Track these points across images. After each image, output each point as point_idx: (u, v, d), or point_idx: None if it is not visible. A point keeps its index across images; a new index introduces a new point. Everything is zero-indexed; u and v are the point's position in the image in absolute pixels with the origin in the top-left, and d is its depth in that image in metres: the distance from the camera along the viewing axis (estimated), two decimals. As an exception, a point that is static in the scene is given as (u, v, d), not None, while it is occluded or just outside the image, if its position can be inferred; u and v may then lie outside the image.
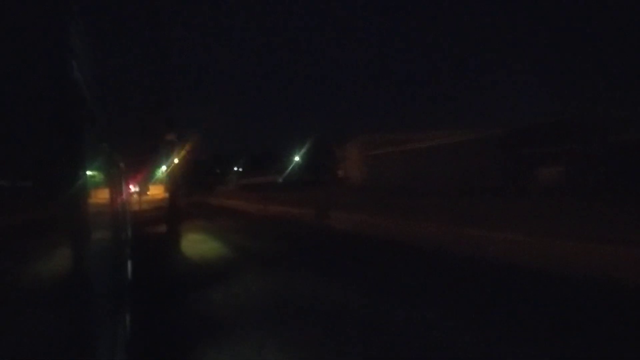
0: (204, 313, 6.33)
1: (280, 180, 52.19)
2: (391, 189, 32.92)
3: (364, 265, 8.95)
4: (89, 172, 1.85)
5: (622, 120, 23.99)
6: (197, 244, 13.42)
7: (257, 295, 6.96)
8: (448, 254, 9.78)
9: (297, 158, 56.09)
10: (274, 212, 23.14)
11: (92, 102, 2.07)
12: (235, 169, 72.38)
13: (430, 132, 41.47)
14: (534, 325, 5.12)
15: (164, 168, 66.77)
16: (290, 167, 56.19)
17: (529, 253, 9.15)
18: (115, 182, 4.41)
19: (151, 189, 60.14)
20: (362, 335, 5.01)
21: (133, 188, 46.40)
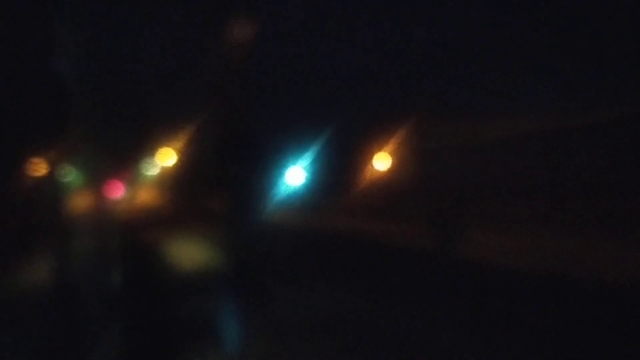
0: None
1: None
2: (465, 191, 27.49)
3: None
4: (75, 173, 1.81)
5: None
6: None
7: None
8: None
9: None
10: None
11: (81, 101, 2.04)
12: None
13: (504, 118, 35.92)
14: None
15: (158, 168, 66.37)
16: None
17: None
18: (103, 183, 4.36)
19: (144, 190, 59.29)
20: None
21: (123, 189, 45.39)
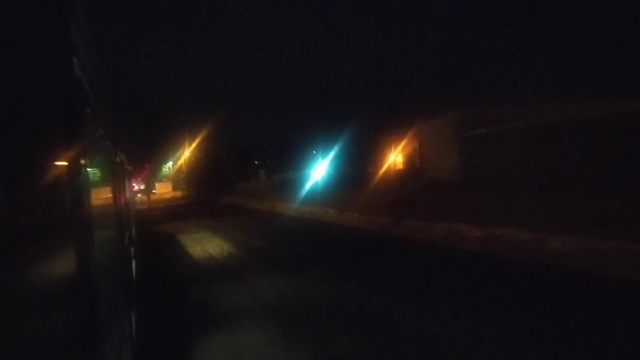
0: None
1: (324, 175, 40.41)
2: (511, 182, 22.35)
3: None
4: (91, 171, 1.87)
5: None
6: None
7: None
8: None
9: (332, 148, 46.13)
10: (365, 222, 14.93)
11: (95, 99, 2.10)
12: (256, 162, 61.78)
13: (551, 105, 28.36)
14: None
15: (170, 165, 62.46)
16: (330, 159, 46.01)
17: None
18: (118, 181, 4.45)
19: (158, 187, 58.65)
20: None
21: (138, 186, 44.84)
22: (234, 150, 59.81)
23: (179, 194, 52.89)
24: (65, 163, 1.56)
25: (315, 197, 24.72)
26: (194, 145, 50.59)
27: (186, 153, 51.84)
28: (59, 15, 1.59)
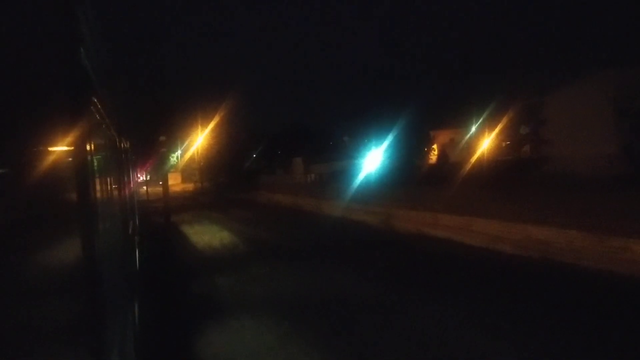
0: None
1: (379, 166, 32.19)
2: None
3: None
4: (95, 159, 1.91)
5: None
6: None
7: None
8: None
9: (388, 134, 37.05)
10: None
11: (101, 89, 2.14)
12: (279, 152, 52.40)
13: None
14: None
15: (179, 154, 58.28)
16: (386, 147, 37.22)
17: None
18: (123, 172, 4.50)
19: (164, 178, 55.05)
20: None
21: (143, 178, 42.26)
22: (258, 136, 48.22)
23: (190, 186, 46.98)
24: (70, 153, 1.61)
25: (400, 196, 16.80)
26: (208, 130, 43.23)
27: (199, 139, 44.48)
28: (66, 4, 1.62)
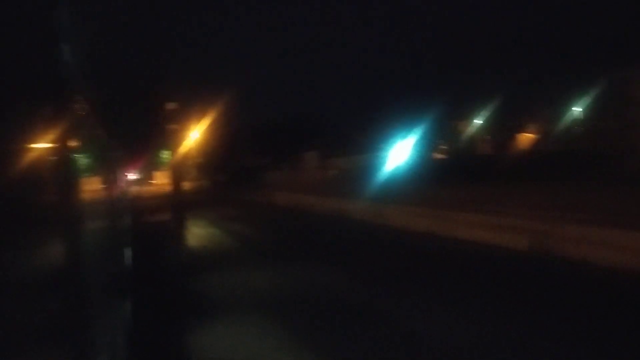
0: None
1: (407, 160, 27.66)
2: None
3: None
4: (82, 159, 1.91)
5: None
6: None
7: None
8: None
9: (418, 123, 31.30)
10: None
11: (85, 87, 2.13)
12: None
13: None
14: None
15: (170, 151, 55.08)
16: (403, 140, 31.39)
17: None
18: (111, 170, 4.49)
19: (157, 176, 50.78)
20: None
21: (132, 176, 38.51)
22: (261, 128, 42.18)
23: (185, 185, 41.75)
24: (54, 150, 1.61)
25: (510, 198, 12.38)
26: (205, 123, 38.70)
27: (196, 133, 40.14)
28: (46, 2, 1.62)
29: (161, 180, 47.16)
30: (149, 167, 49.55)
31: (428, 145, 33.18)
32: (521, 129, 34.12)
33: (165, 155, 51.50)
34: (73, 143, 1.69)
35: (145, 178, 47.33)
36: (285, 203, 21.04)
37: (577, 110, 29.19)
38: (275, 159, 38.79)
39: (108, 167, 4.15)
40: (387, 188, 17.59)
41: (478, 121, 37.12)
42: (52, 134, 1.62)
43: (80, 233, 1.71)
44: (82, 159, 1.96)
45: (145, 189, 34.32)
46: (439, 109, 32.61)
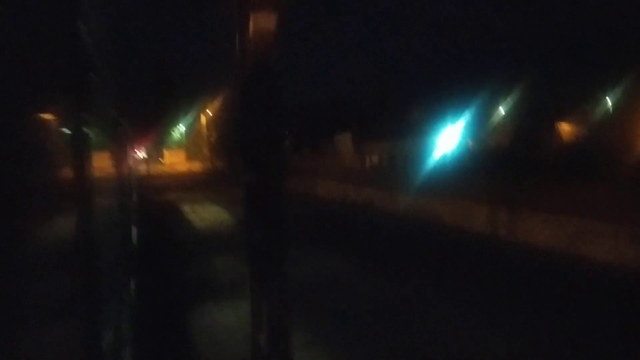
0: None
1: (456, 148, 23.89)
2: None
3: None
4: (92, 133, 1.91)
5: None
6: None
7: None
8: None
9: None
10: None
11: (101, 65, 2.14)
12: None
13: None
14: None
15: (183, 129, 49.67)
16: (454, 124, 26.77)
17: None
18: (121, 147, 4.51)
19: (167, 155, 48.12)
20: None
21: (141, 154, 37.54)
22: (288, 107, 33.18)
23: (196, 165, 40.18)
24: (65, 127, 1.62)
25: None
26: (221, 97, 35.43)
27: (209, 111, 38.26)
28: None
29: (171, 160, 45.58)
30: (159, 145, 48.15)
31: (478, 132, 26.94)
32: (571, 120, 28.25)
33: (176, 132, 50.38)
34: (85, 117, 1.69)
35: (155, 156, 46.41)
36: (329, 195, 16.64)
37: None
38: (298, 142, 32.13)
39: (118, 144, 4.17)
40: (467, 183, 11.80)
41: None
42: (65, 108, 1.62)
43: (91, 210, 1.72)
44: (92, 135, 1.96)
45: (155, 168, 33.98)
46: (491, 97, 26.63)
